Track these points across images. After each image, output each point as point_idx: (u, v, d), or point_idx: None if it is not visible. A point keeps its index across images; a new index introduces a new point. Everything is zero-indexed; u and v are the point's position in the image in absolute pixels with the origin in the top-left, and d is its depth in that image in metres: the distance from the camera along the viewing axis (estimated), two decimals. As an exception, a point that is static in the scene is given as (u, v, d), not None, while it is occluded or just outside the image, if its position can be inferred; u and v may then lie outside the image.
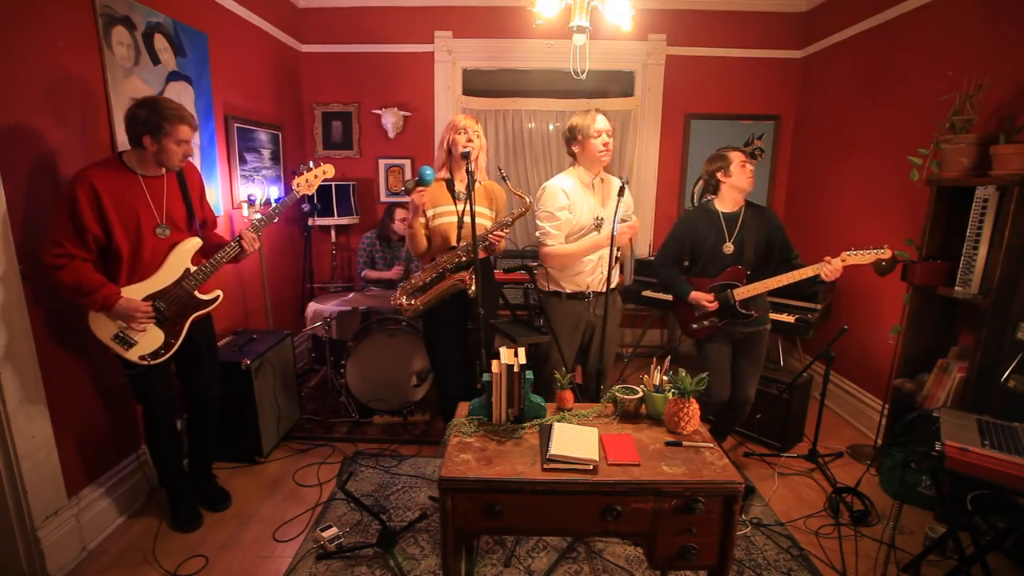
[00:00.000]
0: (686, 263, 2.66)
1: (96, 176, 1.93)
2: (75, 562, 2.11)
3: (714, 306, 2.48)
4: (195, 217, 2.23)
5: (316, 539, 2.22)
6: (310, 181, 2.36)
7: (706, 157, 2.63)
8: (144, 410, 2.27)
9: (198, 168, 2.89)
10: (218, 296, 2.27)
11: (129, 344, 2.04)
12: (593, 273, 2.48)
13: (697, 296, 2.51)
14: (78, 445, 2.20)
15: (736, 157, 2.49)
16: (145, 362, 2.07)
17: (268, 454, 2.91)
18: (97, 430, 2.30)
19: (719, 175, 2.53)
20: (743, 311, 2.48)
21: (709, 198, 2.61)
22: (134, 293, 2.02)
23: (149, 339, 2.08)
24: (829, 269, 2.32)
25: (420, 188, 2.33)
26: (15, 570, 1.96)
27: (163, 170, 2.11)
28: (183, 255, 2.14)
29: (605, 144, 2.37)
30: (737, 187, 2.51)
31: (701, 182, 4.34)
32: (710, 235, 2.52)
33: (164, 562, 2.13)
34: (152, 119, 1.94)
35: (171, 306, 2.11)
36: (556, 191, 2.41)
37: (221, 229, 3.01)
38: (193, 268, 2.16)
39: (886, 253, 2.29)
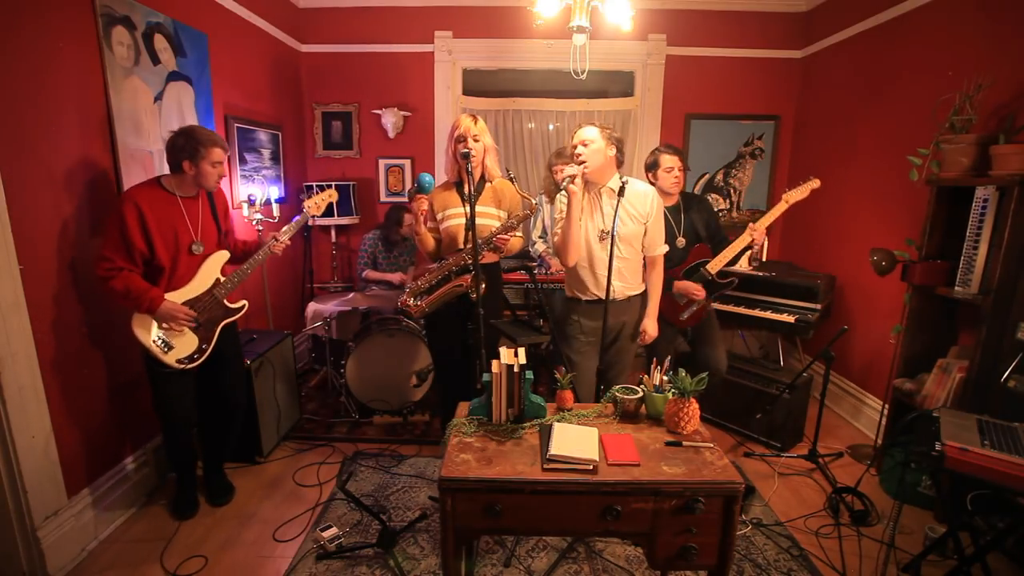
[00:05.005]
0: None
1: (141, 196, 2.10)
2: (75, 562, 2.11)
3: (702, 294, 2.61)
4: (222, 233, 2.38)
5: (316, 539, 2.22)
6: (319, 203, 2.52)
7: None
8: (163, 414, 2.32)
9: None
10: (244, 305, 2.41)
11: (169, 347, 2.17)
12: (600, 281, 2.28)
13: (683, 285, 2.61)
14: (78, 445, 2.20)
15: (664, 161, 2.62)
16: (182, 365, 2.19)
17: (268, 454, 2.91)
18: (97, 430, 2.29)
19: (649, 176, 2.67)
20: (723, 281, 2.64)
21: None
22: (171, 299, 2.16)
23: (185, 344, 2.22)
24: (754, 237, 2.58)
25: (419, 196, 2.34)
26: (15, 570, 1.96)
27: (198, 191, 2.26)
28: (214, 266, 2.30)
29: (576, 155, 2.20)
30: (662, 190, 2.60)
31: (703, 179, 4.36)
32: None
33: (164, 562, 2.13)
34: (189, 145, 2.13)
35: (203, 313, 2.25)
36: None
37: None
38: (223, 278, 2.31)
39: (815, 182, 2.62)
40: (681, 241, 2.70)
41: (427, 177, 2.31)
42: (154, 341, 2.13)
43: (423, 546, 2.23)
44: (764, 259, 3.65)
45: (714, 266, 2.64)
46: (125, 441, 2.47)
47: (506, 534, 2.20)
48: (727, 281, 2.66)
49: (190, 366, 2.21)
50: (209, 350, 2.27)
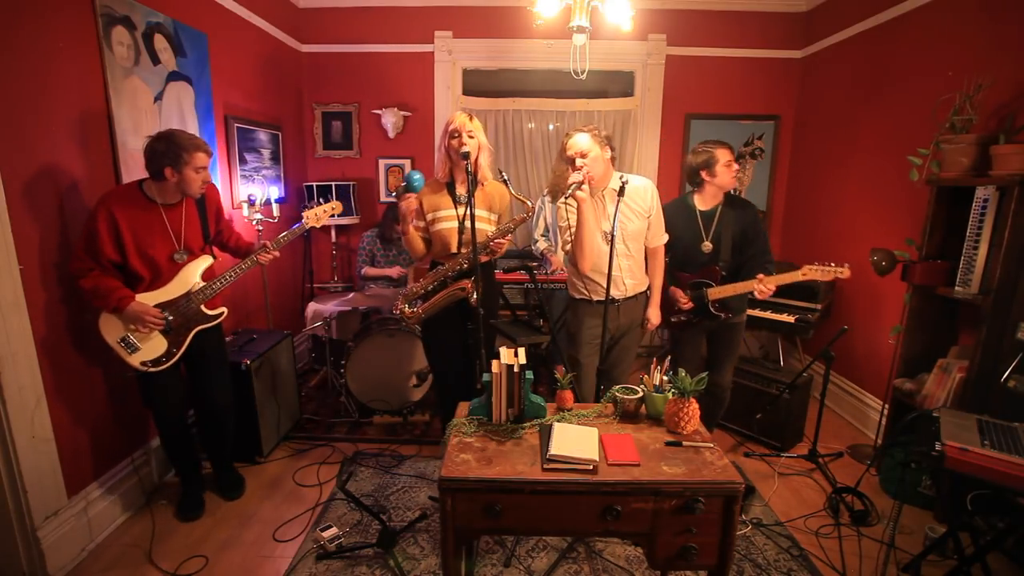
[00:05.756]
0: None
1: (117, 206, 2.05)
2: (75, 562, 2.11)
3: (688, 305, 2.53)
4: (209, 238, 2.33)
5: (316, 539, 2.22)
6: (319, 215, 2.45)
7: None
8: (152, 412, 2.34)
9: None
10: (222, 312, 2.36)
11: (134, 349, 2.13)
12: (613, 279, 2.26)
13: (674, 292, 2.56)
14: (78, 445, 2.20)
15: (723, 156, 2.46)
16: (146, 368, 2.15)
17: (268, 454, 2.91)
18: (97, 430, 2.30)
19: (703, 174, 2.50)
20: (715, 312, 2.52)
21: (689, 190, 2.62)
22: (144, 301, 2.12)
23: (152, 346, 2.17)
24: (758, 288, 2.43)
25: (408, 195, 2.32)
26: (15, 570, 1.97)
27: (181, 198, 2.20)
28: (194, 271, 2.26)
29: (579, 168, 2.19)
30: (720, 187, 2.51)
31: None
32: (687, 233, 2.53)
33: (164, 562, 2.13)
34: (171, 150, 2.05)
35: (176, 317, 2.20)
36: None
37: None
38: (202, 284, 2.26)
39: (845, 272, 2.41)
40: (707, 246, 2.52)
41: (416, 175, 2.28)
42: (119, 342, 2.09)
43: (423, 546, 2.23)
44: None
45: (714, 293, 2.50)
46: (125, 441, 2.47)
47: (506, 534, 2.20)
48: (717, 314, 2.53)
49: (154, 369, 2.15)
50: (179, 354, 2.21)
